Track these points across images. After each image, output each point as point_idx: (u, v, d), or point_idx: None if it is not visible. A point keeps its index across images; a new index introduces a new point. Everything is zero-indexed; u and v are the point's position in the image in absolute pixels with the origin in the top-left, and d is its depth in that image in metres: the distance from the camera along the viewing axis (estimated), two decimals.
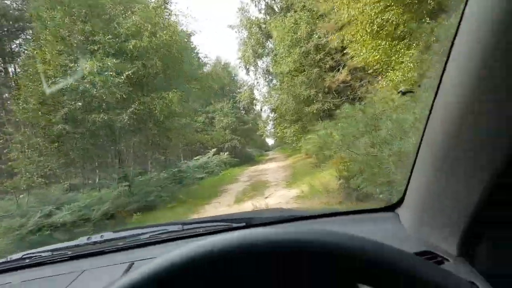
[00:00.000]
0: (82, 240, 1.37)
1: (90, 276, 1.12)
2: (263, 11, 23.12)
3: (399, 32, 7.66)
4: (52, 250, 1.33)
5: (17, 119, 9.48)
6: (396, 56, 7.90)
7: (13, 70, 18.99)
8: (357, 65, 15.17)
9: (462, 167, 0.69)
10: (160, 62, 11.31)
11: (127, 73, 10.08)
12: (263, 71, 25.58)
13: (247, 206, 8.17)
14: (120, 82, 9.87)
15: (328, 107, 19.04)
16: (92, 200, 7.85)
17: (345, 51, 16.84)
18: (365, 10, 8.06)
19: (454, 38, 0.67)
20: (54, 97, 9.52)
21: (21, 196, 8.31)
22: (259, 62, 25.34)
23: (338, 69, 17.73)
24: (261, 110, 31.87)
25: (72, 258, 1.30)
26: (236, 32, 24.78)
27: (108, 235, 1.37)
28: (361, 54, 9.38)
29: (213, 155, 23.96)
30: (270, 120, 26.82)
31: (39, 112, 9.23)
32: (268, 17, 24.03)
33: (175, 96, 11.44)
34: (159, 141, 13.69)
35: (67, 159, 9.38)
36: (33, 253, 1.32)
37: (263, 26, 23.95)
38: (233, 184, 14.46)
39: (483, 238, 0.70)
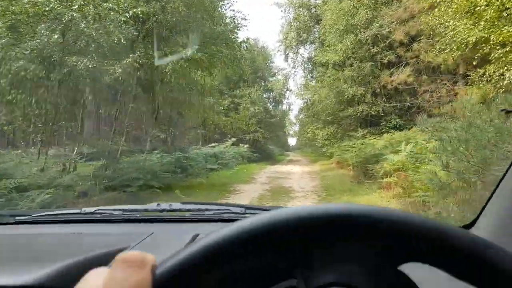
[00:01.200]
0: (152, 205, 1.47)
1: (158, 239, 1.16)
2: None
3: None
4: (123, 210, 1.42)
5: None
6: None
7: None
8: (432, 62, 12.02)
9: None
10: (185, 8, 8.52)
11: (134, 10, 7.36)
12: (304, 60, 22.59)
13: None
14: (124, 22, 7.18)
15: (376, 112, 15.91)
16: (38, 179, 5.15)
17: (410, 45, 13.69)
18: None
19: None
20: (29, 23, 6.88)
21: None
22: (301, 50, 22.35)
23: (398, 67, 14.53)
24: (289, 107, 29.02)
25: (141, 220, 1.39)
26: (282, 11, 21.67)
27: (176, 205, 1.47)
28: (472, 33, 6.26)
29: (231, 145, 21.23)
30: (299, 118, 23.77)
31: None
32: (320, 1, 20.97)
33: (196, 57, 8.65)
34: (166, 115, 10.95)
35: (28, 114, 6.72)
36: (105, 209, 1.42)
37: (313, 10, 20.90)
38: (249, 185, 11.64)
39: None
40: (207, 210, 1.42)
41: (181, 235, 1.13)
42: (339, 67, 17.95)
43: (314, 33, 20.60)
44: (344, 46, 15.64)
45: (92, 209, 1.41)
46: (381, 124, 16.34)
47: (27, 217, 1.39)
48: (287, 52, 22.31)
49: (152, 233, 1.20)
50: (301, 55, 22.04)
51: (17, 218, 1.40)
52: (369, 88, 16.04)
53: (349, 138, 17.55)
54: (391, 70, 14.92)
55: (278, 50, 22.36)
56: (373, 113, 16.06)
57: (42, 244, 1.18)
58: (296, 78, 23.30)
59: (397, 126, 15.79)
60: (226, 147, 20.49)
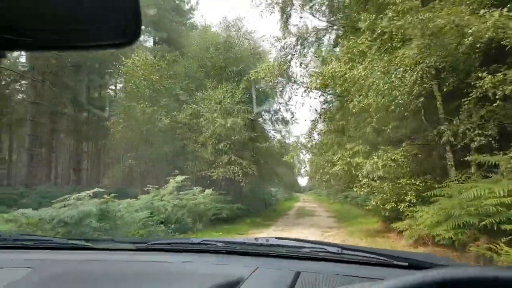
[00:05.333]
0: (250, 239, 1.61)
1: (263, 274, 1.23)
2: None
3: None
4: (225, 242, 1.57)
5: None
6: None
7: None
8: None
9: None
10: None
11: None
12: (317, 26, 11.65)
13: None
14: None
15: None
16: None
17: None
18: None
19: None
20: None
21: None
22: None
23: None
24: (292, 119, 16.71)
25: (242, 253, 1.48)
26: None
27: (272, 240, 1.56)
28: None
29: (177, 188, 9.98)
30: (311, 135, 12.14)
31: None
32: None
33: None
34: None
35: None
36: (210, 240, 1.59)
37: None
38: None
39: None
40: (302, 247, 1.46)
41: (283, 271, 1.24)
42: None
43: None
44: None
45: (199, 240, 1.59)
46: None
47: (144, 244, 1.60)
48: (286, 14, 11.33)
49: (257, 267, 1.26)
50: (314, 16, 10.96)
51: (137, 245, 1.60)
52: None
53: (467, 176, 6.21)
54: None
55: (271, 12, 11.32)
56: None
57: (158, 271, 1.31)
58: (307, 60, 11.61)
59: None
60: (160, 196, 9.18)
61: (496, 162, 5.58)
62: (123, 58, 12.98)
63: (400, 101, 6.66)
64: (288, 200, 34.02)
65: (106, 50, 6.49)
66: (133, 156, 13.29)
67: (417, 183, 7.98)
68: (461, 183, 6.69)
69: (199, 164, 13.25)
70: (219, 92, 13.12)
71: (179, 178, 9.91)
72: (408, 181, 8.01)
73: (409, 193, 7.93)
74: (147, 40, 23.72)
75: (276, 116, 16.59)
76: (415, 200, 7.82)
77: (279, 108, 15.43)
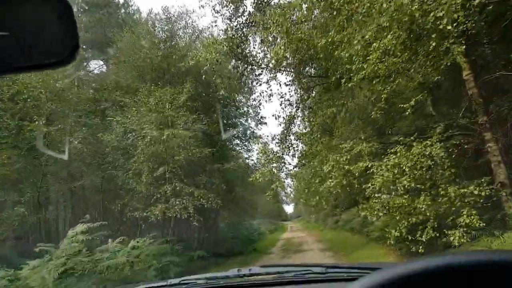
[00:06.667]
0: (233, 271, 1.51)
1: None
2: None
3: None
4: (206, 279, 1.49)
5: None
6: None
7: None
8: None
9: None
10: None
11: None
12: None
13: None
14: None
15: None
16: None
17: None
18: None
19: None
20: None
21: None
22: None
23: None
24: (258, 121, 13.22)
25: (225, 287, 1.45)
26: None
27: (255, 269, 1.50)
28: None
29: (83, 242, 6.13)
30: (289, 144, 8.75)
31: None
32: None
33: None
34: None
35: None
36: (189, 279, 1.51)
37: None
38: None
39: None
40: (286, 272, 1.43)
41: None
42: None
43: None
44: None
45: (177, 280, 1.49)
46: None
47: None
48: None
49: None
50: None
51: None
52: None
53: None
54: None
55: None
56: None
57: None
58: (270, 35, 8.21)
59: None
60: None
61: None
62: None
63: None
64: (274, 231, 29.99)
65: (43, 70, 4.95)
66: (28, 197, 9.26)
67: (476, 192, 4.58)
68: None
69: (131, 202, 9.40)
70: (157, 97, 9.57)
71: (80, 227, 6.11)
72: (459, 191, 4.59)
73: (465, 210, 4.51)
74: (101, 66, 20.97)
75: (244, 127, 13.08)
76: (478, 225, 4.37)
77: (246, 118, 11.96)
